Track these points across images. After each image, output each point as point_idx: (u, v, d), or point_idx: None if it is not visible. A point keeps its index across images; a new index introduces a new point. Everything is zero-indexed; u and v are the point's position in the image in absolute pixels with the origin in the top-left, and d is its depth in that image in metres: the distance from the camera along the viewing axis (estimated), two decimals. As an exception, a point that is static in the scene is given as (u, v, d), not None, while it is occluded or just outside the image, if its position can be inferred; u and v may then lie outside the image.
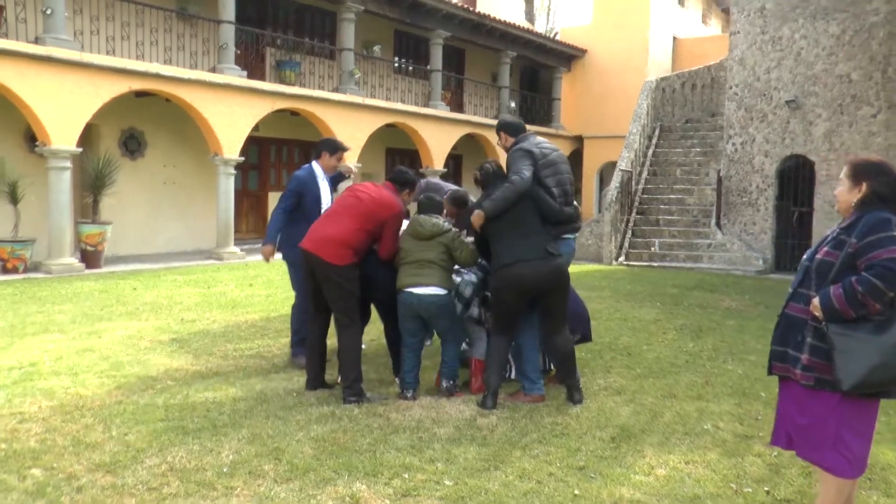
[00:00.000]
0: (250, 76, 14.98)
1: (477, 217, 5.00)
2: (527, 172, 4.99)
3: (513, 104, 24.19)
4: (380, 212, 5.17)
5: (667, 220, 17.06)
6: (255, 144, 16.92)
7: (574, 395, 5.11)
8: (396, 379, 5.61)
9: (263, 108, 15.07)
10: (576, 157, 25.83)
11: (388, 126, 18.43)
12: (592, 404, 5.09)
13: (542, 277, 4.95)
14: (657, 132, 19.80)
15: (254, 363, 6.14)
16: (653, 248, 16.47)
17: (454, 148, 20.67)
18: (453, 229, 5.43)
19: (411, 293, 5.21)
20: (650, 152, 19.14)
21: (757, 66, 15.06)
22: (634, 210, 17.56)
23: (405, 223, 5.54)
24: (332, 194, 6.50)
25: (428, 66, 20.49)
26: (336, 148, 6.46)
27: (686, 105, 20.80)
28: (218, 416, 4.68)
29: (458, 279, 5.50)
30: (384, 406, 4.95)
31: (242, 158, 14.79)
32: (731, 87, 15.82)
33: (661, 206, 17.46)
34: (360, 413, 4.79)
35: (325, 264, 5.09)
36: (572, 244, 5.44)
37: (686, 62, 24.42)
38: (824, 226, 13.62)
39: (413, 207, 6.04)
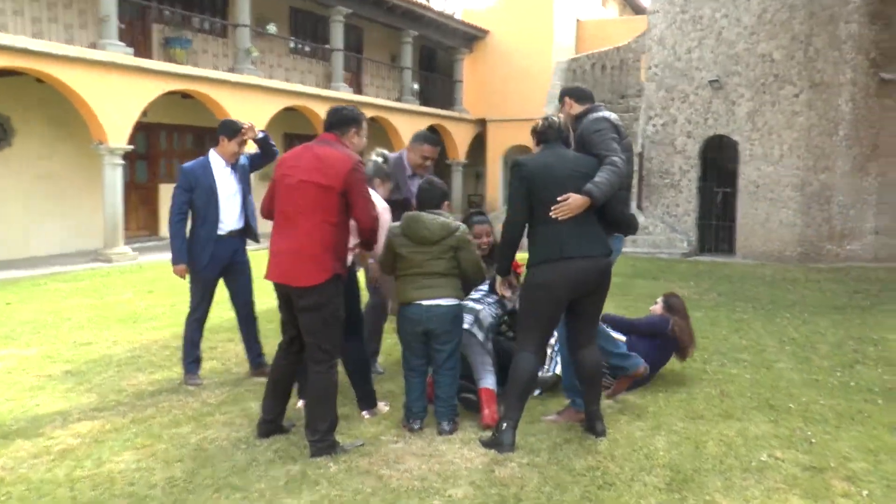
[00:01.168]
0: (136, 54, 13.19)
1: (583, 203, 3.99)
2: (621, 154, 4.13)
3: (415, 86, 23.12)
4: (331, 181, 3.82)
5: (585, 205, 16.48)
6: (144, 131, 15.07)
7: (596, 425, 4.15)
8: (363, 413, 4.53)
9: (153, 89, 13.31)
10: (479, 142, 25.10)
11: (288, 110, 16.96)
12: (618, 435, 4.15)
13: (592, 279, 4.06)
14: (568, 115, 19.22)
15: (179, 402, 4.83)
16: (573, 234, 15.87)
17: (360, 133, 19.37)
18: (462, 226, 4.40)
19: (420, 306, 4.25)
20: (563, 135, 18.53)
21: (677, 46, 14.64)
22: (551, 195, 16.92)
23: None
24: (239, 185, 5.33)
25: (327, 46, 19.10)
26: (236, 130, 5.23)
27: (596, 86, 20.28)
28: (148, 492, 3.42)
29: (478, 306, 4.64)
30: (365, 456, 3.83)
31: (131, 147, 13.02)
32: (650, 68, 15.36)
33: (579, 191, 16.89)
34: (339, 471, 3.64)
35: (301, 291, 3.87)
36: (621, 243, 4.56)
37: (589, 44, 24.02)
38: (748, 206, 13.38)
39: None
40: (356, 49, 21.49)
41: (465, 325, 4.62)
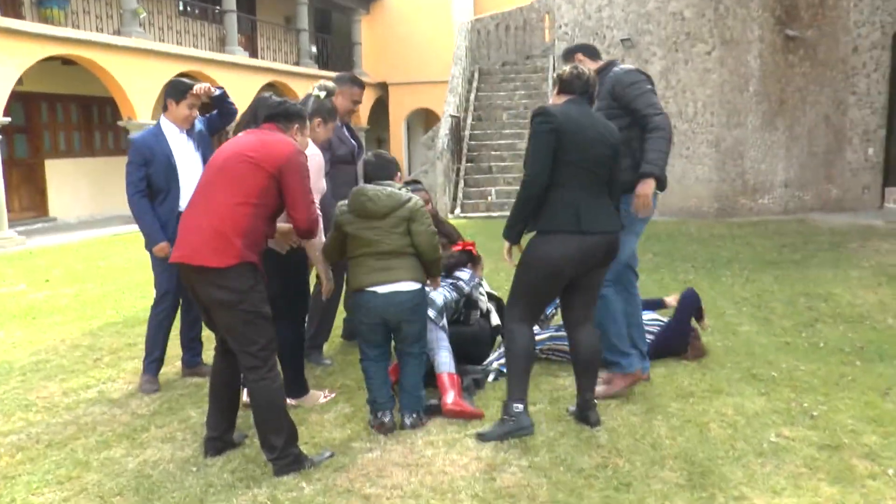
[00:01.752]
0: (4, 15, 11.73)
1: (647, 187, 3.76)
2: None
3: (313, 49, 22.05)
4: (263, 163, 3.24)
5: (500, 167, 16.17)
6: (21, 102, 13.57)
7: (590, 415, 3.73)
8: (289, 401, 3.93)
9: (27, 55, 11.91)
10: (381, 105, 24.38)
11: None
12: (613, 423, 3.75)
13: (601, 255, 3.62)
14: (476, 76, 18.77)
15: (104, 415, 4.10)
16: (489, 198, 15.54)
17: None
18: (414, 197, 3.85)
19: (375, 294, 3.71)
20: (472, 97, 18.08)
21: (587, 5, 14.34)
22: (465, 158, 16.52)
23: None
24: (199, 153, 4.63)
25: (218, 8, 17.81)
26: (183, 91, 4.53)
27: (501, 47, 19.94)
28: (87, 543, 2.77)
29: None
30: (340, 471, 3.28)
31: (7, 120, 11.63)
32: (560, 27, 15.03)
33: (493, 153, 16.55)
34: (315, 493, 3.08)
35: (202, 272, 3.21)
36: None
37: (486, 6, 23.55)
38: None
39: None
40: (249, 10, 20.22)
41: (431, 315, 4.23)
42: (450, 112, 16.24)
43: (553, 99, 3.75)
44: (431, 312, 4.18)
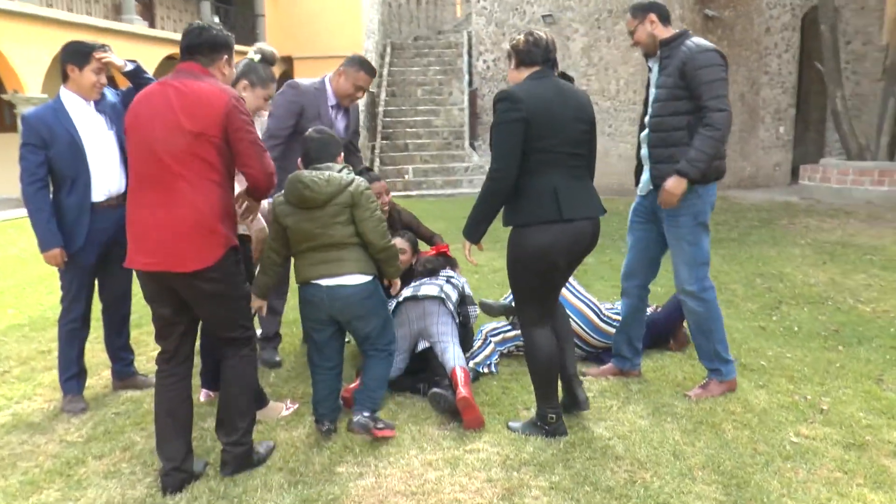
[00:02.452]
0: None
1: (679, 185, 3.44)
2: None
3: (216, 19, 20.73)
4: (203, 126, 2.75)
5: (416, 145, 15.64)
6: None
7: (578, 392, 3.50)
8: (202, 393, 3.83)
9: None
10: (285, 80, 23.29)
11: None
12: (623, 428, 3.38)
13: (587, 241, 3.30)
14: (388, 50, 18.08)
15: (24, 445, 3.40)
16: (406, 176, 15.02)
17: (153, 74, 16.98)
18: (357, 179, 3.35)
19: (318, 287, 3.31)
20: (385, 72, 17.40)
21: (508, -22, 13.96)
22: (379, 135, 15.89)
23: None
24: (112, 129, 3.84)
25: (113, -28, 16.38)
26: (86, 54, 3.71)
27: (413, 21, 19.31)
28: None
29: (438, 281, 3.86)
30: (308, 483, 2.77)
31: None
32: (478, 1, 14.58)
33: (408, 130, 15.97)
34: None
35: (188, 277, 2.81)
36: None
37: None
38: (587, 142, 13.20)
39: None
40: (146, -24, 18.74)
41: (433, 292, 3.82)
42: (365, 88, 15.54)
43: (512, 74, 3.32)
44: (450, 304, 3.88)
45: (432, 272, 4.20)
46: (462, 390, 3.43)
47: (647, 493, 2.81)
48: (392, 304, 3.90)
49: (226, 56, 2.98)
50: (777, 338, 4.74)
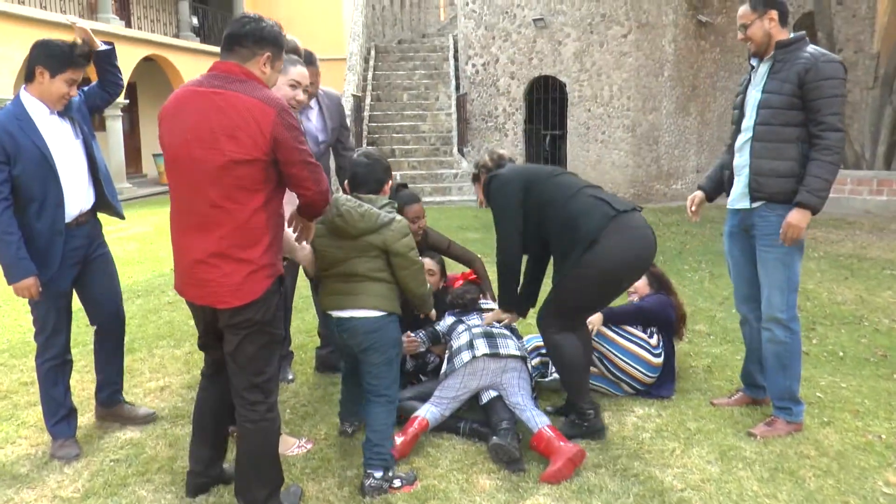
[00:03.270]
0: None
1: (804, 219, 3.21)
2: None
3: (194, 20, 20.14)
4: (250, 150, 2.37)
5: (403, 151, 15.20)
6: None
7: (596, 423, 3.37)
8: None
9: None
10: (267, 84, 22.75)
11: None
12: (693, 477, 3.02)
13: (651, 236, 3.40)
14: (373, 53, 17.64)
15: (12, 503, 2.93)
16: (394, 182, 14.59)
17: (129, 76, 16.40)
18: (396, 221, 3.03)
19: (331, 318, 3.13)
20: (370, 76, 16.96)
21: (498, -20, 13.61)
22: (365, 140, 15.43)
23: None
24: (80, 138, 3.36)
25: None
26: (64, 62, 3.17)
27: (396, 24, 18.89)
28: None
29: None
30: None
31: None
32: (467, 4, 14.21)
33: (394, 135, 15.54)
34: None
35: (228, 314, 2.52)
36: None
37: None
38: (579, 148, 12.92)
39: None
40: (122, -26, 18.10)
41: (515, 352, 3.49)
42: (351, 91, 15.08)
43: (480, 194, 3.60)
44: (529, 365, 3.56)
45: (469, 305, 3.84)
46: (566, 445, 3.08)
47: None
48: (467, 355, 3.45)
49: (268, 53, 2.55)
50: (824, 364, 4.41)
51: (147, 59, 16.89)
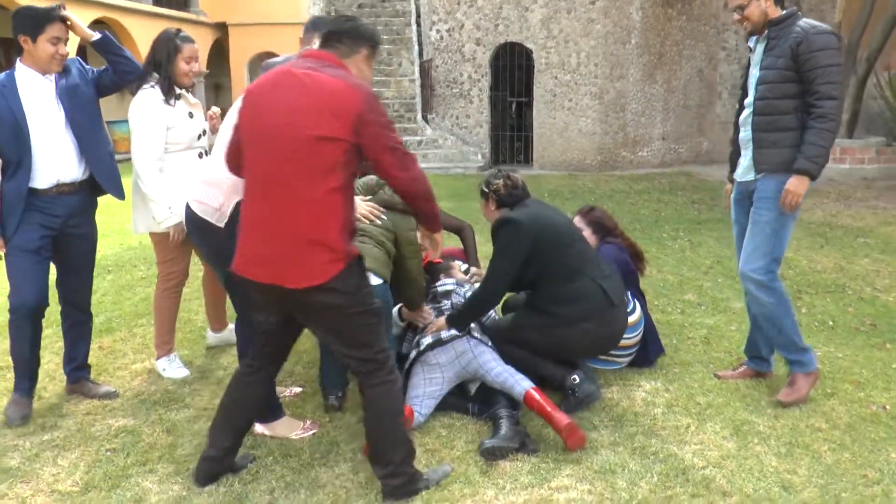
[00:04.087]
0: None
1: (802, 184, 3.22)
2: None
3: (145, -19, 19.24)
4: (335, 129, 2.35)
5: (367, 117, 14.90)
6: None
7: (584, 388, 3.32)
8: (260, 428, 3.20)
9: None
10: (219, 48, 22.00)
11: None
12: (711, 454, 2.99)
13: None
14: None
15: (7, 499, 2.74)
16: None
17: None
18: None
19: None
20: (330, 41, 16.50)
21: (463, -57, 13.28)
22: (327, 107, 15.07)
23: None
24: (66, 109, 3.35)
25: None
26: (40, 22, 3.19)
27: (357, -12, 18.36)
28: None
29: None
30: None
31: None
32: (431, -32, 13.87)
33: (357, 102, 15.20)
34: None
35: (304, 293, 2.44)
36: None
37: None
38: (546, 116, 12.82)
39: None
40: (66, -70, 17.11)
41: (455, 332, 3.37)
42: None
43: (489, 214, 3.59)
44: (477, 334, 3.41)
45: (433, 298, 3.75)
46: (557, 415, 2.99)
47: (778, 542, 2.41)
48: (413, 354, 3.41)
49: (366, 51, 2.62)
50: (817, 334, 4.44)
51: (98, 22, 16.09)
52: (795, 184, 3.23)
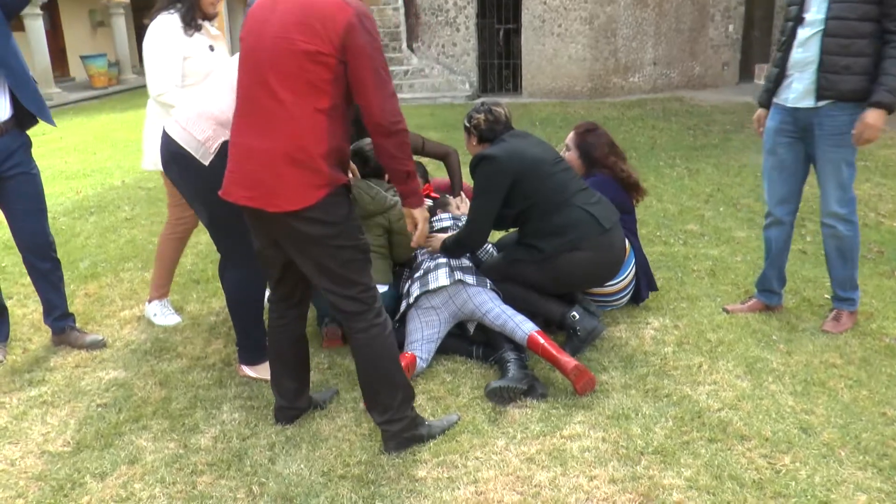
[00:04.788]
0: None
1: (880, 118, 3.01)
2: None
3: None
4: (319, 42, 2.19)
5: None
6: None
7: (586, 323, 3.17)
8: (241, 368, 3.13)
9: None
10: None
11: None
12: (726, 395, 2.86)
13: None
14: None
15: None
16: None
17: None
18: (398, 202, 3.35)
19: None
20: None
21: None
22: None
23: None
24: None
25: None
26: None
27: None
28: None
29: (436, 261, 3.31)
30: (387, 497, 2.16)
31: None
32: None
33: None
34: None
35: (284, 219, 2.29)
36: None
37: None
38: (534, 42, 12.38)
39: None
40: None
41: (445, 282, 3.13)
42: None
43: (471, 148, 3.40)
44: (470, 278, 3.18)
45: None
46: (563, 358, 2.85)
47: (800, 488, 2.30)
48: (404, 304, 3.25)
49: None
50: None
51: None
52: (875, 117, 2.99)
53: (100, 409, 2.90)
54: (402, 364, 2.75)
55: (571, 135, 3.80)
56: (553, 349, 2.88)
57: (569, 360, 2.84)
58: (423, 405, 2.82)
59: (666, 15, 12.21)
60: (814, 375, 2.99)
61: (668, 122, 9.15)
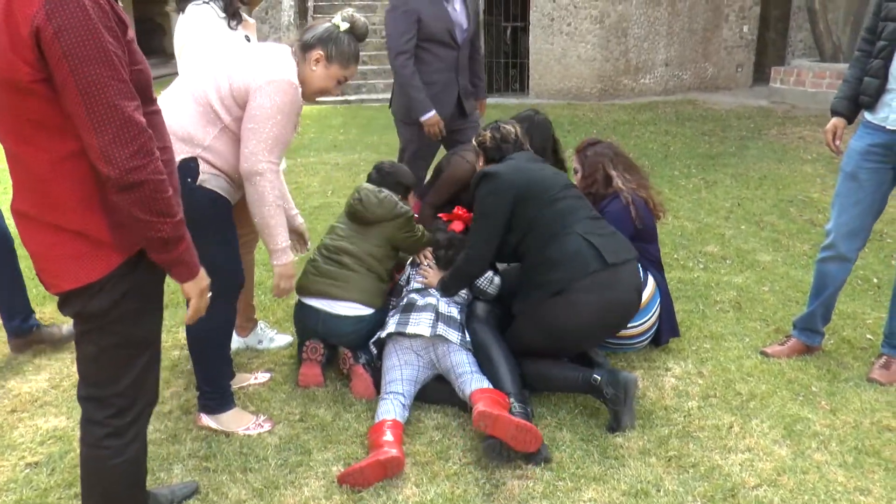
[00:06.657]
0: None
1: None
2: None
3: None
4: (10, 68, 1.45)
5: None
6: None
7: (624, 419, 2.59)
8: (207, 421, 2.65)
9: None
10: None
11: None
12: (742, 452, 2.41)
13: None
14: (317, -64, 15.86)
15: None
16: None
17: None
18: (409, 210, 3.11)
19: (312, 309, 2.94)
20: (315, -39, 15.29)
21: None
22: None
23: None
24: None
25: None
26: None
27: None
28: None
29: (427, 300, 2.89)
30: None
31: None
32: None
33: (345, 27, 14.14)
34: None
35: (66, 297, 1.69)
36: None
37: None
38: (543, 42, 11.88)
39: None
40: None
41: (425, 332, 2.70)
42: (294, -23, 13.52)
43: (477, 167, 3.10)
44: (453, 334, 2.73)
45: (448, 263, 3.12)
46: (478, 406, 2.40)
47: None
48: (383, 334, 2.83)
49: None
50: (861, 296, 3.82)
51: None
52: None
53: (28, 469, 2.46)
54: (394, 434, 2.41)
55: (574, 157, 3.36)
56: (494, 408, 2.38)
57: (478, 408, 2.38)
58: (406, 473, 2.37)
59: (679, 14, 11.68)
60: (865, 442, 2.52)
61: (681, 126, 8.65)
